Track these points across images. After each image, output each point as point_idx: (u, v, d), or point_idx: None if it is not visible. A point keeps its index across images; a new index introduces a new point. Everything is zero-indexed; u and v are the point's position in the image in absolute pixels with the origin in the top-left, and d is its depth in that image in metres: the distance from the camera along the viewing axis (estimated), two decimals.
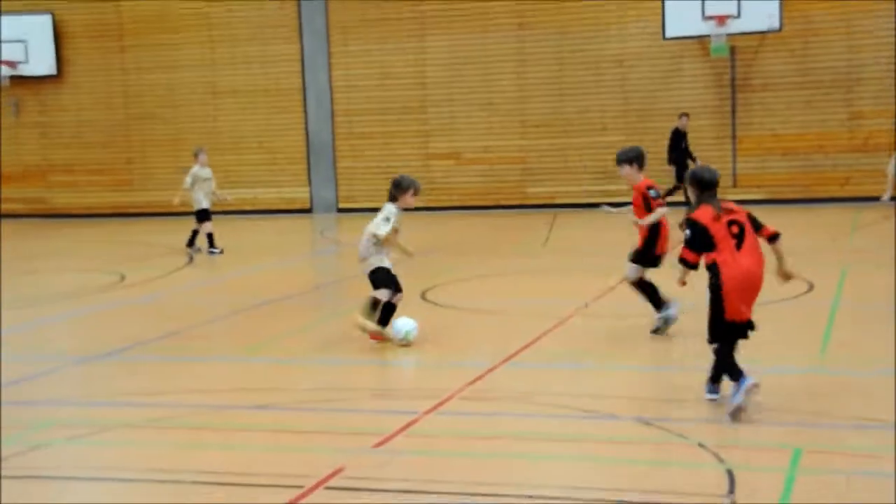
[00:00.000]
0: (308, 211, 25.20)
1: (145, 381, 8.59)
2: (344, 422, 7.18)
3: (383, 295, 9.61)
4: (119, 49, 26.07)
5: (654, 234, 9.48)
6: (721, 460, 5.99)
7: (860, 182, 21.18)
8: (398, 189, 9.96)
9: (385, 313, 9.58)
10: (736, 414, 6.75)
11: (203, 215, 17.18)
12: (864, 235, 16.39)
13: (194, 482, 5.93)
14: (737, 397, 6.75)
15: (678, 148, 21.13)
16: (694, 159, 21.06)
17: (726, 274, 6.82)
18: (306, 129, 25.25)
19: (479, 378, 8.16)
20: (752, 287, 6.91)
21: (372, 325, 9.52)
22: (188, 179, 17.25)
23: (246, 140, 25.42)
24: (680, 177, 20.98)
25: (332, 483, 5.82)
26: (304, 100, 25.21)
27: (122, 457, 6.57)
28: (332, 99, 25.06)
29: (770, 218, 18.82)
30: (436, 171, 24.53)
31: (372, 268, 9.73)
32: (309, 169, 25.24)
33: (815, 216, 19.27)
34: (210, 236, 17.15)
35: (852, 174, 21.11)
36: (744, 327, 6.96)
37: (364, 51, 24.75)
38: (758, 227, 7.14)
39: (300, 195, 25.24)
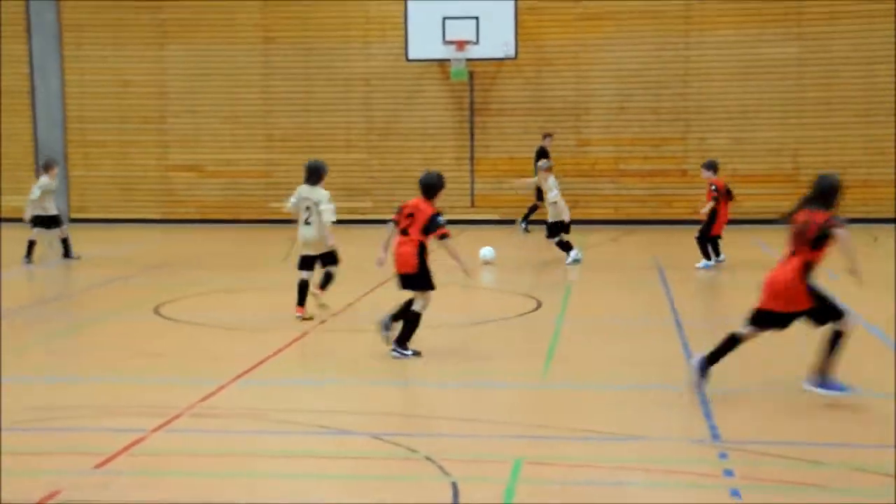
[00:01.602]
0: (16, 221, 23.85)
1: None
2: (63, 442, 6.86)
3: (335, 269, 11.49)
4: None
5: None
6: (446, 473, 6.16)
7: (587, 206, 22.40)
8: (323, 172, 11.39)
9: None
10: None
11: (52, 221, 16.89)
12: (589, 256, 17.32)
13: None
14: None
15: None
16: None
17: None
18: (35, 135, 23.98)
19: (212, 395, 8.02)
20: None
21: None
22: (37, 191, 16.76)
23: None
24: (540, 195, 21.41)
25: None
26: (33, 104, 23.94)
27: None
28: (64, 104, 23.94)
29: (505, 237, 19.51)
30: (176, 183, 23.92)
31: (329, 248, 11.34)
32: (37, 176, 23.92)
33: (520, 236, 20.24)
34: (66, 241, 17.10)
35: (580, 198, 22.30)
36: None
37: (100, 56, 23.82)
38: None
39: (25, 204, 23.83)
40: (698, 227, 15.80)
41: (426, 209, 9.34)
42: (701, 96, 22.53)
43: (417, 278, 9.28)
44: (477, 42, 21.89)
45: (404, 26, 22.27)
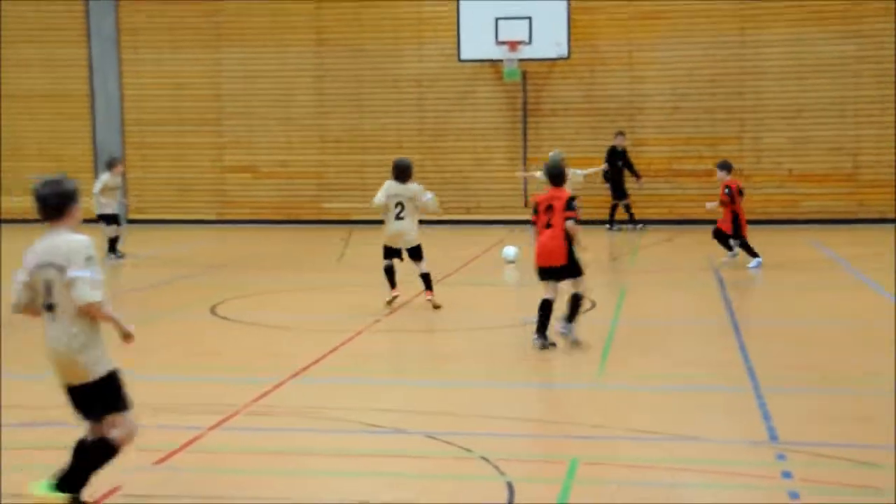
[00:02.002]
0: (95, 221, 24.23)
1: None
2: None
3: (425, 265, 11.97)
4: None
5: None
6: (502, 473, 6.15)
7: (642, 206, 22.25)
8: (412, 170, 12.05)
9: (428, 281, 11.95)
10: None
11: (110, 219, 17.46)
12: (643, 257, 17.22)
13: None
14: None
15: (613, 166, 21.27)
16: (638, 176, 21.51)
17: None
18: (94, 137, 24.37)
19: (267, 393, 8.09)
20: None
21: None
22: (98, 184, 17.56)
23: (26, 146, 24.31)
24: (616, 194, 21.41)
25: (108, 501, 5.64)
26: (93, 107, 24.33)
27: None
28: (122, 107, 24.30)
29: None
30: (231, 185, 24.16)
31: (416, 243, 11.87)
32: (96, 178, 24.34)
33: (599, 237, 20.06)
34: (113, 241, 17.48)
35: (634, 198, 22.14)
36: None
37: (156, 59, 24.13)
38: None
39: (85, 205, 24.18)
40: (742, 227, 15.47)
41: (563, 194, 9.69)
42: (757, 95, 22.28)
43: (568, 269, 9.61)
44: (530, 42, 21.84)
45: (457, 27, 22.29)
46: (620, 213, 21.55)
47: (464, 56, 22.34)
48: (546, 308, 9.60)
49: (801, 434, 6.88)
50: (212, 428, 7.08)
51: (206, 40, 23.98)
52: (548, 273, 9.64)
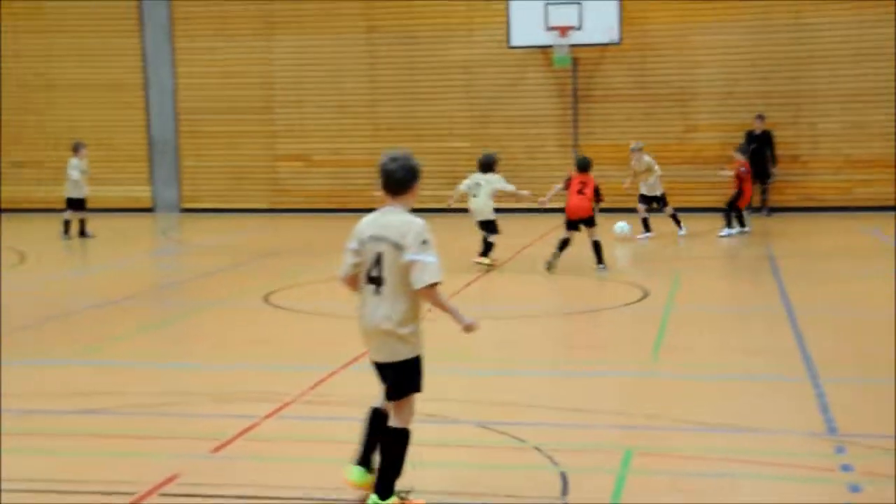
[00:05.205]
0: (150, 210, 24.59)
1: None
2: (181, 426, 7.04)
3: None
4: None
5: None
6: (555, 463, 6.13)
7: (690, 193, 22.03)
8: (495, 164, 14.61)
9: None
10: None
11: (79, 204, 18.58)
12: (695, 244, 17.05)
13: (18, 490, 5.72)
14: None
15: (751, 150, 20.62)
16: (775, 162, 21.41)
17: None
18: (148, 126, 24.64)
19: (321, 382, 8.14)
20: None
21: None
22: (75, 172, 18.61)
23: (81, 136, 24.60)
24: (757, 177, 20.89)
25: (166, 489, 5.71)
26: (147, 96, 24.59)
27: None
28: (175, 96, 24.53)
29: (607, 226, 19.29)
30: (283, 173, 24.30)
31: (492, 218, 14.29)
32: (151, 167, 24.64)
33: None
34: (82, 223, 18.72)
35: (684, 185, 21.92)
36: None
37: (209, 48, 24.32)
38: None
39: (141, 194, 24.62)
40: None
41: (592, 181, 13.92)
42: (813, 80, 21.91)
43: (591, 219, 13.84)
44: (580, 27, 21.67)
45: (507, 13, 22.18)
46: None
47: (514, 42, 22.23)
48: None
49: (859, 426, 6.78)
50: (267, 416, 7.14)
51: (258, 29, 24.11)
52: (574, 223, 13.85)
